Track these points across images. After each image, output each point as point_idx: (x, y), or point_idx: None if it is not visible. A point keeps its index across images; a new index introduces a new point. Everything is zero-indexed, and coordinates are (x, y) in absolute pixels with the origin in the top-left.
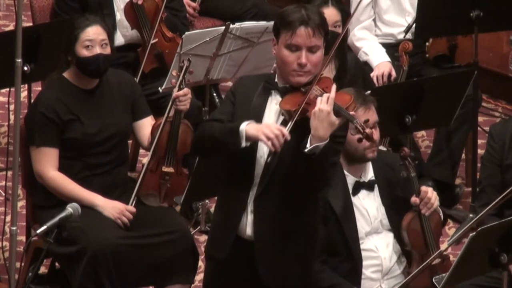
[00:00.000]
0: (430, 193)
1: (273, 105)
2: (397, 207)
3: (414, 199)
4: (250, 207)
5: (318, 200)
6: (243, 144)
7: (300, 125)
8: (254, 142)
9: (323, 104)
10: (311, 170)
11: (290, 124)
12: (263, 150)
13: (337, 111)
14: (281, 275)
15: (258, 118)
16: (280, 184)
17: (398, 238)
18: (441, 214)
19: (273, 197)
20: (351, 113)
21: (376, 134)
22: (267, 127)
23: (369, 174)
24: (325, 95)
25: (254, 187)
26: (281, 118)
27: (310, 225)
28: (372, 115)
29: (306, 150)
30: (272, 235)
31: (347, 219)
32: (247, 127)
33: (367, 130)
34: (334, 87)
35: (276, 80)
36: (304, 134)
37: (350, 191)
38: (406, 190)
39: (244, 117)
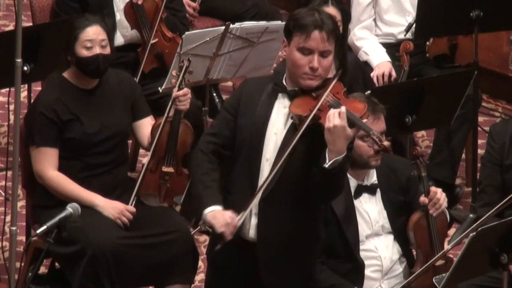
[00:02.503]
0: (439, 194)
1: (281, 108)
2: (399, 212)
3: (423, 199)
4: (254, 210)
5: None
6: (201, 222)
7: (310, 131)
8: (259, 147)
9: (337, 119)
10: (331, 183)
11: (301, 130)
12: (270, 153)
13: (352, 122)
14: (283, 278)
15: (264, 120)
16: (286, 189)
17: (400, 239)
18: (448, 215)
19: (278, 201)
20: (364, 120)
21: None
22: (222, 216)
23: (372, 178)
24: (337, 110)
25: (259, 191)
26: (290, 121)
27: (313, 228)
28: (380, 125)
29: (327, 166)
30: (275, 238)
31: (348, 222)
32: (207, 214)
33: (385, 143)
34: (344, 108)
35: (284, 82)
36: (314, 140)
37: (352, 194)
38: (409, 194)
39: (249, 119)
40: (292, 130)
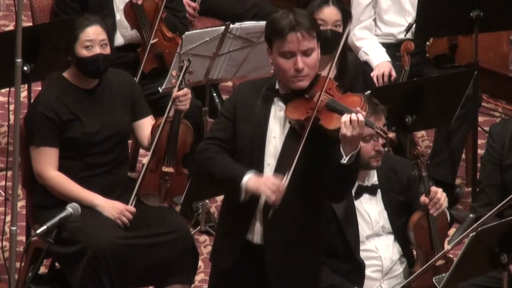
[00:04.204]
0: (440, 194)
1: (278, 113)
2: (399, 212)
3: (423, 199)
4: (258, 216)
5: (326, 205)
6: (243, 197)
7: (312, 133)
8: (260, 152)
9: (356, 129)
10: (349, 178)
11: (304, 135)
12: (271, 158)
13: None
14: (291, 280)
15: (263, 126)
16: (290, 191)
17: (400, 239)
18: (449, 216)
19: (283, 206)
20: (364, 113)
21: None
22: (267, 181)
23: (373, 178)
24: (354, 119)
25: (263, 196)
26: (287, 125)
27: (318, 230)
28: (381, 125)
29: (345, 162)
30: (281, 242)
31: (349, 222)
32: (248, 183)
33: (390, 134)
34: (361, 116)
35: (277, 86)
36: (315, 142)
37: (353, 195)
38: (409, 194)
39: (248, 126)
40: (291, 134)
